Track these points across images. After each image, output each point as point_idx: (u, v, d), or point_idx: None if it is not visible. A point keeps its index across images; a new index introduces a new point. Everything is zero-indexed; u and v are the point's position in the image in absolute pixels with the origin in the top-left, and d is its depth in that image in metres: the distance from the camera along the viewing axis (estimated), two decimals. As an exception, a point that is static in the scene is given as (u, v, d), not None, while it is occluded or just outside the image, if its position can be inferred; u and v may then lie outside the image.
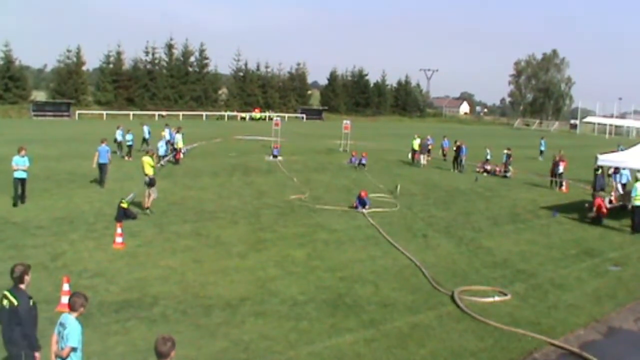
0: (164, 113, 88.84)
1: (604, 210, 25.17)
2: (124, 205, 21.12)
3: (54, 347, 8.03)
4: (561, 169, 35.45)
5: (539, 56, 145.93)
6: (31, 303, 8.31)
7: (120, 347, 11.00)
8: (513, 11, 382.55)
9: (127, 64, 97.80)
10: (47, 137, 49.63)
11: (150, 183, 22.64)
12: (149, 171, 22.95)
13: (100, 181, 27.86)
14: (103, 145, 28.19)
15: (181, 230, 20.06)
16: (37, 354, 8.33)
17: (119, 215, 20.47)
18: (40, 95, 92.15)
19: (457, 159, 41.20)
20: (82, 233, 19.03)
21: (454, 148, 42.05)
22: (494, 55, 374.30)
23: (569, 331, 13.11)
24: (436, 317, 13.46)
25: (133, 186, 26.43)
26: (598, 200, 25.33)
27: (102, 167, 27.92)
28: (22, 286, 8.40)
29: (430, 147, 44.73)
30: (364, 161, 39.81)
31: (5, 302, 8.26)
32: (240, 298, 13.91)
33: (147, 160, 23.37)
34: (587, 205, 26.42)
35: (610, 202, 27.86)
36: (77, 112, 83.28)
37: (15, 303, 8.15)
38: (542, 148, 54.31)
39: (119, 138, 39.68)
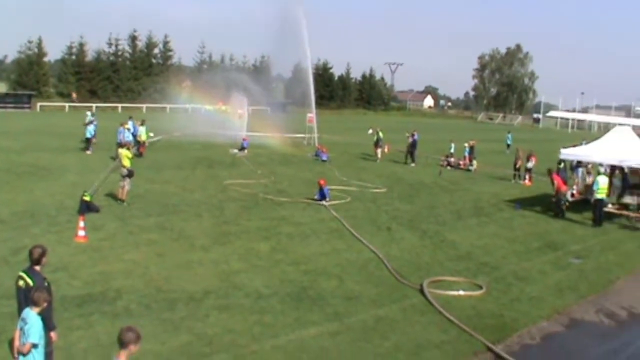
0: (125, 105, 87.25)
1: (563, 187, 25.59)
2: (87, 198, 20.79)
3: (16, 342, 7.94)
4: (531, 164, 35.91)
5: (503, 50, 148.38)
6: (46, 284, 8.70)
7: (83, 342, 10.86)
8: (477, 5, 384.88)
9: (89, 56, 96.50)
10: (8, 129, 48.53)
11: (129, 175, 22.75)
12: (127, 163, 23.08)
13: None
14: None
15: (145, 224, 19.87)
16: (52, 333, 8.72)
17: (82, 209, 20.09)
18: (0, 87, 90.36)
19: (411, 152, 41.20)
20: (44, 227, 18.74)
21: (409, 141, 41.74)
22: (459, 49, 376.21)
23: (532, 323, 13.31)
24: (400, 310, 13.56)
25: (95, 179, 26.08)
26: (556, 177, 25.67)
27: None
28: (38, 268, 8.84)
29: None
30: (324, 157, 39.56)
31: (21, 282, 8.71)
32: (204, 291, 13.84)
33: (124, 152, 23.59)
34: (553, 199, 26.47)
35: (572, 195, 28.25)
36: (39, 104, 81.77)
37: (31, 283, 8.53)
38: (509, 142, 55.05)
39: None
